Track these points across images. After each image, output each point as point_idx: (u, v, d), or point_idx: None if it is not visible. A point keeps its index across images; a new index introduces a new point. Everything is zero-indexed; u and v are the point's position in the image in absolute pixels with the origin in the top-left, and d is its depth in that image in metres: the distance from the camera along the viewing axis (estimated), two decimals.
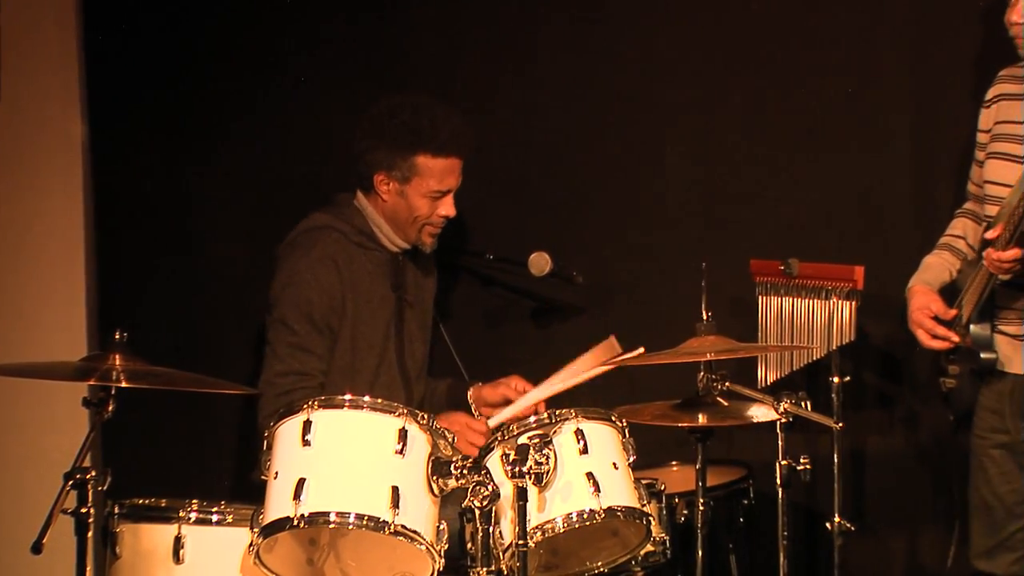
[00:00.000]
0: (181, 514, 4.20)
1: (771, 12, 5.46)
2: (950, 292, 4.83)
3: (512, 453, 4.02)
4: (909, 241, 5.09)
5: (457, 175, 4.89)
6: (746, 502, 5.02)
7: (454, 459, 4.06)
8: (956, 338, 4.69)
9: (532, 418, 4.32)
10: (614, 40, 5.64)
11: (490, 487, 3.98)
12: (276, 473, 4.08)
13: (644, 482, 4.42)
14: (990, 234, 4.45)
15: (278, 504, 4.02)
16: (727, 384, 4.58)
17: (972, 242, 4.83)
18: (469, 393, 5.04)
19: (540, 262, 5.35)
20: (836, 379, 4.90)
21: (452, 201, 4.90)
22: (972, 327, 4.64)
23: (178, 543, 4.16)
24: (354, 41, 5.84)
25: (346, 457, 4.09)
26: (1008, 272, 4.45)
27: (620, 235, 5.62)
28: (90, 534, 4.00)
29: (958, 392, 4.77)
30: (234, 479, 5.71)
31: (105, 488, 4.02)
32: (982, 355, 4.61)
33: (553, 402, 4.83)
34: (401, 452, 4.06)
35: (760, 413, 4.56)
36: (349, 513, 3.99)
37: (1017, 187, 4.46)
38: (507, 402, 4.91)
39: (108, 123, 5.90)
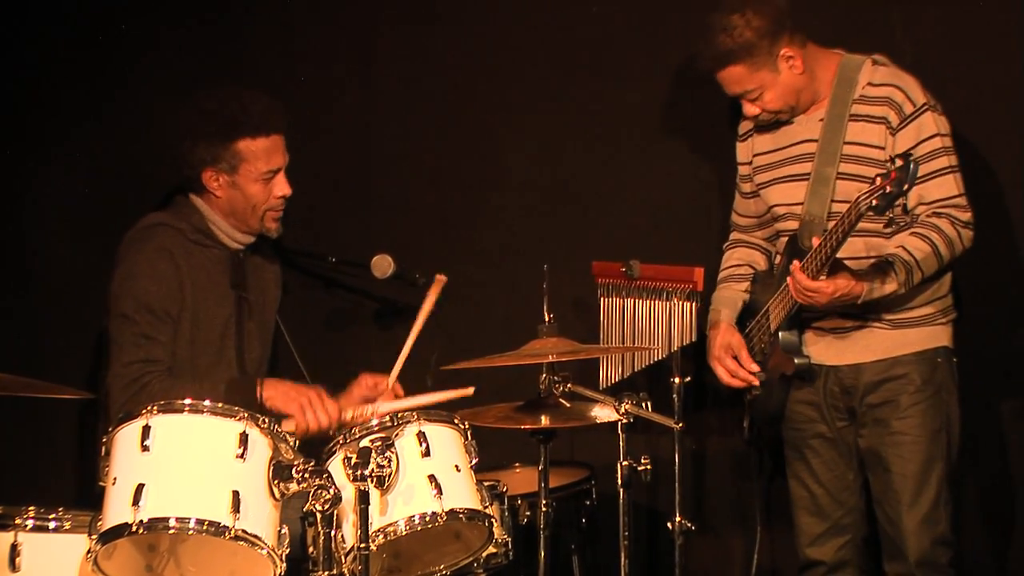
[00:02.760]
0: (17, 521, 4.11)
1: (612, 14, 5.50)
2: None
3: (354, 456, 4.01)
4: None
5: (282, 152, 4.85)
6: (588, 503, 5.05)
7: (295, 463, 4.03)
8: (756, 382, 4.90)
9: (374, 421, 4.31)
10: (453, 41, 5.65)
11: (331, 490, 3.96)
12: (114, 479, 4.02)
13: (486, 484, 4.43)
14: (815, 241, 4.55)
15: (116, 510, 3.97)
16: (569, 385, 4.61)
17: (755, 267, 5.05)
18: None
19: (382, 264, 5.33)
20: (677, 380, 4.93)
21: (285, 179, 4.86)
22: (781, 334, 4.80)
23: (14, 551, 4.07)
24: (189, 43, 5.78)
25: (186, 462, 4.04)
26: (806, 300, 4.58)
27: (462, 237, 5.63)
28: None
29: (765, 398, 4.92)
30: (76, 486, 5.62)
31: None
32: (796, 361, 4.78)
33: None
34: (242, 456, 4.02)
35: (602, 414, 4.58)
36: (189, 518, 3.95)
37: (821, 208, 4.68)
38: (367, 400, 4.87)
39: None
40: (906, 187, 4.22)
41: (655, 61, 5.47)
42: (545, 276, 4.73)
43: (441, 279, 4.98)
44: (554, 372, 4.61)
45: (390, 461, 4.03)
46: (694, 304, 4.97)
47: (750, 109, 4.79)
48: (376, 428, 4.25)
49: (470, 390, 4.72)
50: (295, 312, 5.39)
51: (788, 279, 4.62)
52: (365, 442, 4.10)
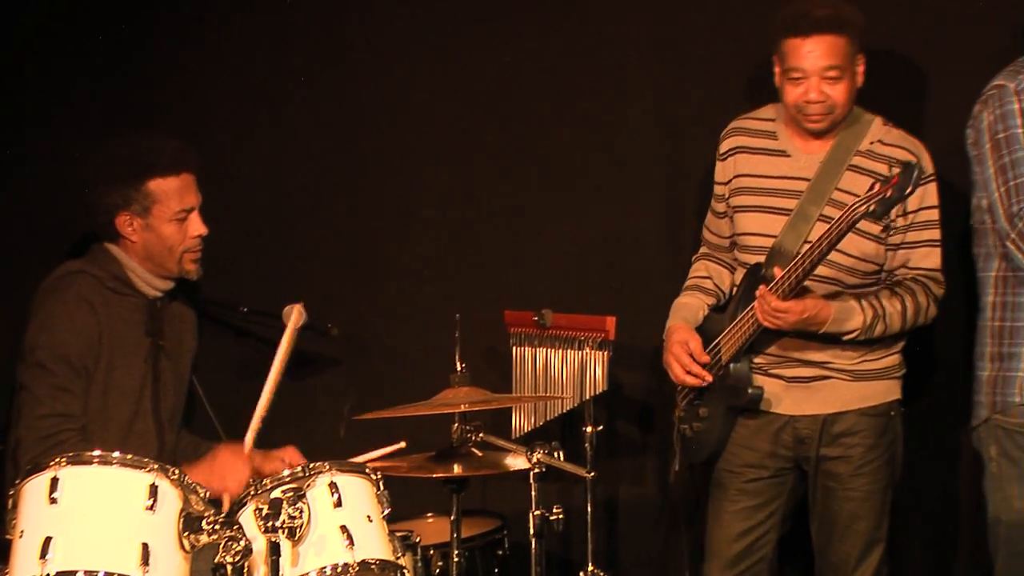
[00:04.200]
0: None
1: (524, 62, 5.53)
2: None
3: (265, 507, 3.97)
4: (660, 292, 5.16)
5: (195, 191, 4.82)
6: (501, 552, 5.04)
7: (206, 514, 4.00)
8: (709, 378, 4.79)
9: (286, 472, 4.28)
10: (365, 90, 5.67)
11: (242, 542, 3.92)
12: (22, 532, 3.96)
13: (399, 534, 4.41)
14: (777, 271, 4.55)
15: (23, 564, 3.91)
16: (481, 435, 4.61)
17: (719, 283, 4.96)
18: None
19: (294, 314, 5.31)
20: (589, 428, 4.95)
21: (200, 219, 4.83)
22: (732, 365, 4.74)
23: None
24: (101, 92, 5.76)
25: (94, 514, 3.99)
26: (773, 322, 4.55)
27: (374, 287, 5.63)
28: None
29: (706, 434, 4.84)
30: None
31: None
32: (750, 391, 4.70)
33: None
34: (152, 508, 3.98)
35: (514, 463, 4.58)
36: (97, 571, 3.89)
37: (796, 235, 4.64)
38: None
39: None
40: (908, 191, 4.21)
41: (564, 109, 5.51)
42: (457, 325, 4.74)
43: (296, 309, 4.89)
44: (466, 421, 4.61)
45: (301, 512, 4.00)
46: (606, 353, 4.99)
47: (822, 91, 4.60)
48: (287, 479, 4.21)
49: (402, 444, 4.70)
50: (207, 362, 5.36)
51: (756, 302, 4.57)
52: (276, 493, 4.06)
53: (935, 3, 5.11)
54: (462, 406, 4.52)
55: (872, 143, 4.67)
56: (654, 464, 5.40)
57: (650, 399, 5.37)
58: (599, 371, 4.99)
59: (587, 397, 5.00)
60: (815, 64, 4.58)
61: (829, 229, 4.37)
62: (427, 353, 5.32)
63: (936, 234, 4.66)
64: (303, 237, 5.69)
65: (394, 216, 5.67)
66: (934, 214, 4.67)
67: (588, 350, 5.01)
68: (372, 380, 5.19)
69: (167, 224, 4.79)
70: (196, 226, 4.83)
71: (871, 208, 4.25)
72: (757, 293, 4.56)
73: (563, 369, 5.06)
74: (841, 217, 4.34)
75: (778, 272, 4.53)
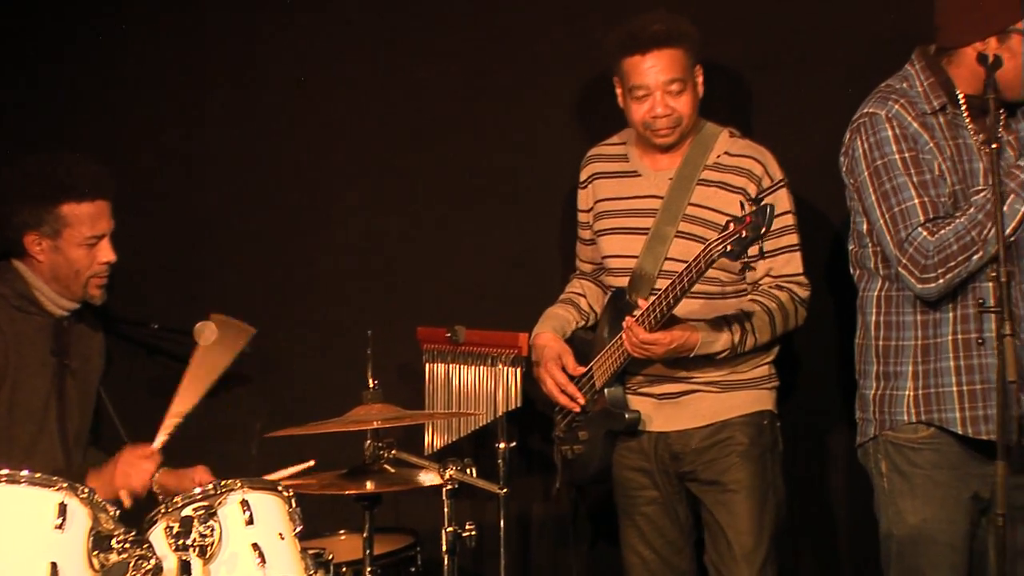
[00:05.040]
0: None
1: (435, 81, 5.54)
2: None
3: (176, 525, 3.96)
4: None
5: (107, 218, 4.79)
6: (413, 569, 5.04)
7: (116, 533, 3.97)
8: (583, 400, 4.86)
9: (197, 489, 4.25)
10: (277, 107, 5.65)
11: (152, 560, 3.91)
12: None
13: (311, 551, 4.39)
14: (640, 308, 4.59)
15: None
16: (394, 451, 4.61)
17: (592, 302, 5.05)
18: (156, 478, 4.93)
19: (206, 331, 5.28)
20: (502, 445, 4.94)
21: (109, 245, 4.79)
22: (607, 390, 4.80)
23: None
24: (15, 106, 5.71)
25: (2, 533, 3.95)
26: (642, 353, 4.61)
27: (287, 303, 5.61)
28: None
29: (587, 456, 4.89)
30: None
31: None
32: (627, 415, 4.77)
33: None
34: (60, 527, 3.94)
35: (427, 480, 4.58)
36: None
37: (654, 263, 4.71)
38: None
39: None
40: (763, 230, 4.24)
41: (477, 126, 5.52)
42: (369, 342, 4.74)
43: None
44: (379, 438, 4.61)
45: (213, 530, 3.99)
46: (519, 369, 5.00)
47: (667, 104, 4.68)
48: (198, 496, 4.19)
49: (311, 462, 4.68)
50: (117, 380, 5.32)
51: (623, 333, 4.63)
52: (187, 511, 4.05)
53: (786, 15, 5.20)
54: (374, 423, 4.52)
55: (719, 156, 4.75)
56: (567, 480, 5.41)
57: None
58: (512, 387, 5.00)
59: (500, 413, 5.00)
60: (657, 79, 4.67)
61: (688, 267, 4.42)
62: (339, 370, 5.31)
63: (794, 239, 4.74)
64: (215, 253, 5.66)
65: (307, 233, 5.65)
66: (789, 219, 4.74)
67: (501, 366, 5.01)
68: (284, 397, 5.17)
69: (76, 248, 4.75)
70: (105, 253, 4.79)
71: (728, 248, 4.28)
72: (624, 324, 4.62)
73: (476, 385, 5.06)
74: (698, 256, 4.38)
75: (642, 304, 4.59)
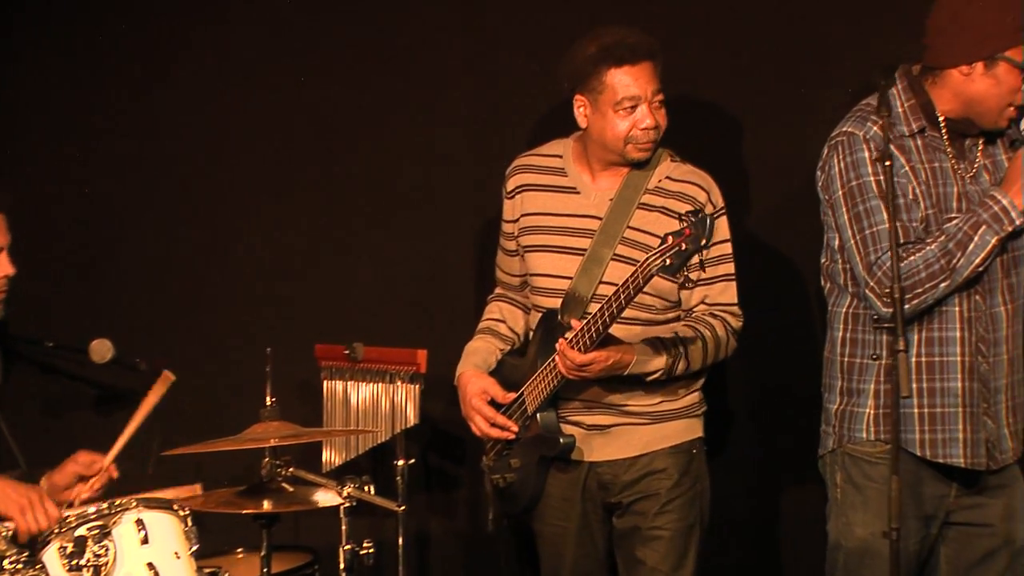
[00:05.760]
0: None
1: (335, 98, 5.54)
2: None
3: (70, 546, 3.92)
4: (471, 325, 5.14)
5: (4, 232, 4.71)
6: None
7: (8, 554, 3.93)
8: (516, 428, 4.72)
9: (91, 508, 4.21)
10: (176, 123, 5.62)
11: None
12: None
13: (208, 571, 4.36)
14: (573, 330, 4.51)
15: None
16: (291, 469, 4.60)
17: (513, 325, 4.92)
18: (41, 484, 4.87)
19: (101, 349, 5.25)
20: (401, 462, 4.94)
21: (7, 259, 4.70)
22: (540, 415, 4.67)
23: None
24: None
25: None
26: (577, 375, 4.51)
27: (184, 320, 5.58)
28: None
29: (520, 485, 4.75)
30: None
31: None
32: (562, 440, 4.63)
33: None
34: None
35: (324, 498, 4.57)
36: None
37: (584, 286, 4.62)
38: (81, 479, 4.73)
39: None
40: (703, 242, 4.16)
41: (376, 143, 5.52)
42: (268, 359, 4.72)
43: (168, 376, 4.80)
44: (276, 456, 4.59)
45: (107, 550, 3.96)
46: (417, 386, 5.00)
47: (654, 119, 4.57)
48: (93, 516, 4.15)
49: (197, 488, 4.64)
50: (10, 398, 5.27)
51: (556, 356, 4.52)
52: (81, 530, 4.02)
53: (741, 40, 5.24)
54: (272, 441, 4.50)
55: (661, 180, 4.66)
56: (466, 497, 5.42)
57: (462, 432, 5.32)
58: (410, 404, 5.00)
59: (398, 430, 5.00)
60: (646, 90, 4.57)
61: (625, 283, 4.33)
62: (237, 387, 5.29)
63: (731, 268, 4.66)
64: (112, 271, 5.62)
65: (205, 249, 5.62)
66: (727, 248, 4.67)
67: (399, 383, 5.01)
68: (181, 415, 5.12)
69: None
70: (3, 267, 4.74)
71: (667, 262, 4.18)
72: (557, 347, 4.51)
73: (374, 402, 5.05)
74: (636, 271, 4.29)
75: (576, 324, 4.49)
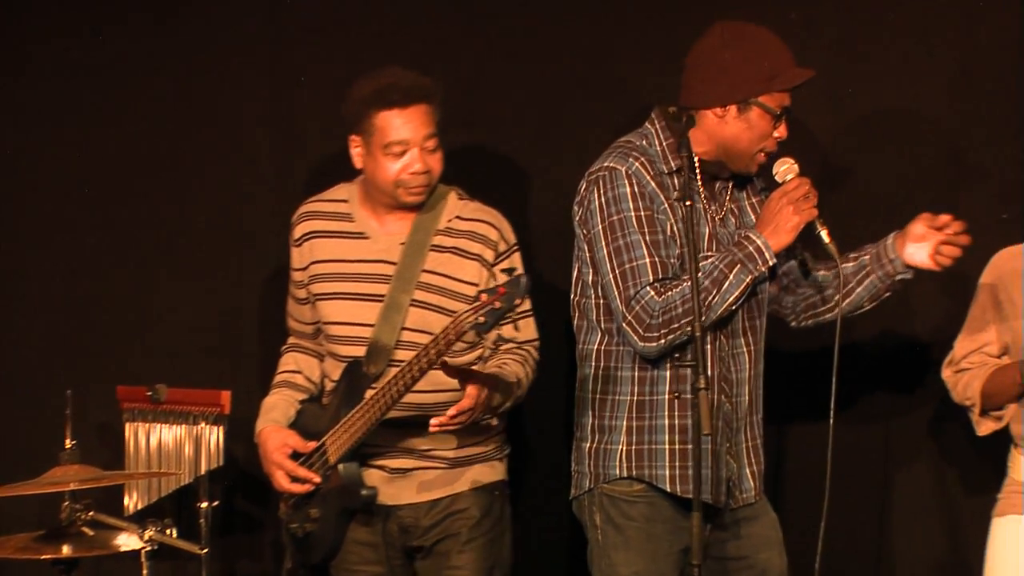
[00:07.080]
0: None
1: (144, 134, 5.50)
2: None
3: None
4: (275, 365, 5.12)
5: None
6: None
7: None
8: (318, 479, 4.65)
9: None
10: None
11: None
12: None
13: None
14: (375, 388, 4.49)
15: None
16: (92, 513, 4.53)
17: (309, 375, 4.86)
18: None
19: None
20: (204, 504, 4.88)
21: None
22: (341, 466, 4.61)
23: None
24: None
25: None
26: (465, 420, 4.42)
27: None
28: None
29: (319, 535, 4.70)
30: None
31: None
32: (363, 492, 4.59)
33: None
34: None
35: (126, 542, 4.51)
36: None
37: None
38: None
39: None
40: (517, 302, 4.18)
41: (184, 180, 5.49)
42: (68, 401, 4.66)
43: None
44: (76, 500, 4.52)
45: None
46: (221, 427, 4.95)
47: (424, 162, 4.53)
48: None
49: None
50: None
51: (432, 422, 4.40)
52: None
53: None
54: (71, 484, 4.44)
55: (450, 220, 4.65)
56: (270, 539, 5.37)
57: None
58: (214, 445, 4.95)
59: (202, 472, 4.94)
60: (416, 134, 4.54)
61: (436, 340, 4.30)
62: (36, 431, 5.21)
63: (528, 304, 4.62)
64: None
65: (3, 290, 5.53)
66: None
67: (203, 424, 4.96)
68: None
69: None
70: None
71: (480, 320, 4.17)
72: (432, 425, 4.42)
73: (177, 444, 5.00)
74: (447, 329, 4.26)
75: (385, 377, 4.47)
